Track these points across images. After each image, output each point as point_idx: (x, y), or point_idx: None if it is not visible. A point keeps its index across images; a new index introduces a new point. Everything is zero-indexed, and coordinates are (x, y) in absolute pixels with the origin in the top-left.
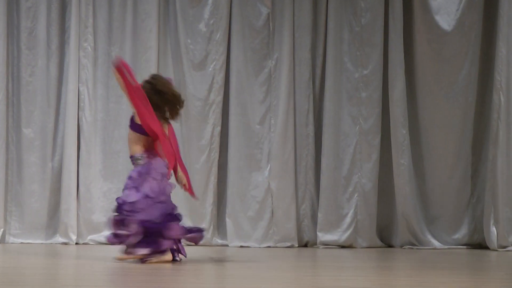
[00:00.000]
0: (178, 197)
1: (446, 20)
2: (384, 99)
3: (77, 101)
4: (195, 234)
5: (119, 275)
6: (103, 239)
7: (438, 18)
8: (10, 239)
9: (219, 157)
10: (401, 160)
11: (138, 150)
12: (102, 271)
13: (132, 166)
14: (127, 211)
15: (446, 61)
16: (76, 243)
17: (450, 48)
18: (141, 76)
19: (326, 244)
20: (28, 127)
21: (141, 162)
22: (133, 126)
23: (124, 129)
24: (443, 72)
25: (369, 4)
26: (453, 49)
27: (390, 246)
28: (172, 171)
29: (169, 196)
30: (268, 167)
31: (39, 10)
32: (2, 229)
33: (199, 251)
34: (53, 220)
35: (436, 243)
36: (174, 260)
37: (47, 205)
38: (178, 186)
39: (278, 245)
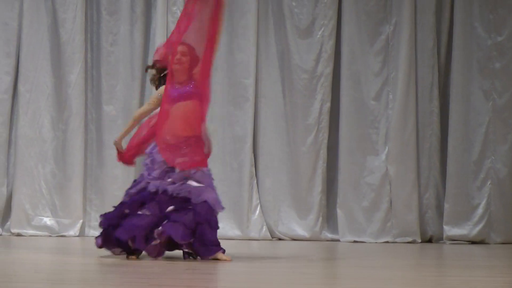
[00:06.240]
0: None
1: None
2: None
3: None
4: None
5: None
6: None
7: None
8: (90, 232)
9: (328, 138)
10: None
11: None
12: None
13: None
14: None
15: None
16: None
17: None
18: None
19: (454, 239)
20: (109, 103)
21: None
22: None
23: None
24: None
25: None
26: None
27: None
28: None
29: None
30: (386, 150)
31: None
32: (81, 221)
33: (307, 246)
34: None
35: None
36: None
37: None
38: None
39: (397, 240)
